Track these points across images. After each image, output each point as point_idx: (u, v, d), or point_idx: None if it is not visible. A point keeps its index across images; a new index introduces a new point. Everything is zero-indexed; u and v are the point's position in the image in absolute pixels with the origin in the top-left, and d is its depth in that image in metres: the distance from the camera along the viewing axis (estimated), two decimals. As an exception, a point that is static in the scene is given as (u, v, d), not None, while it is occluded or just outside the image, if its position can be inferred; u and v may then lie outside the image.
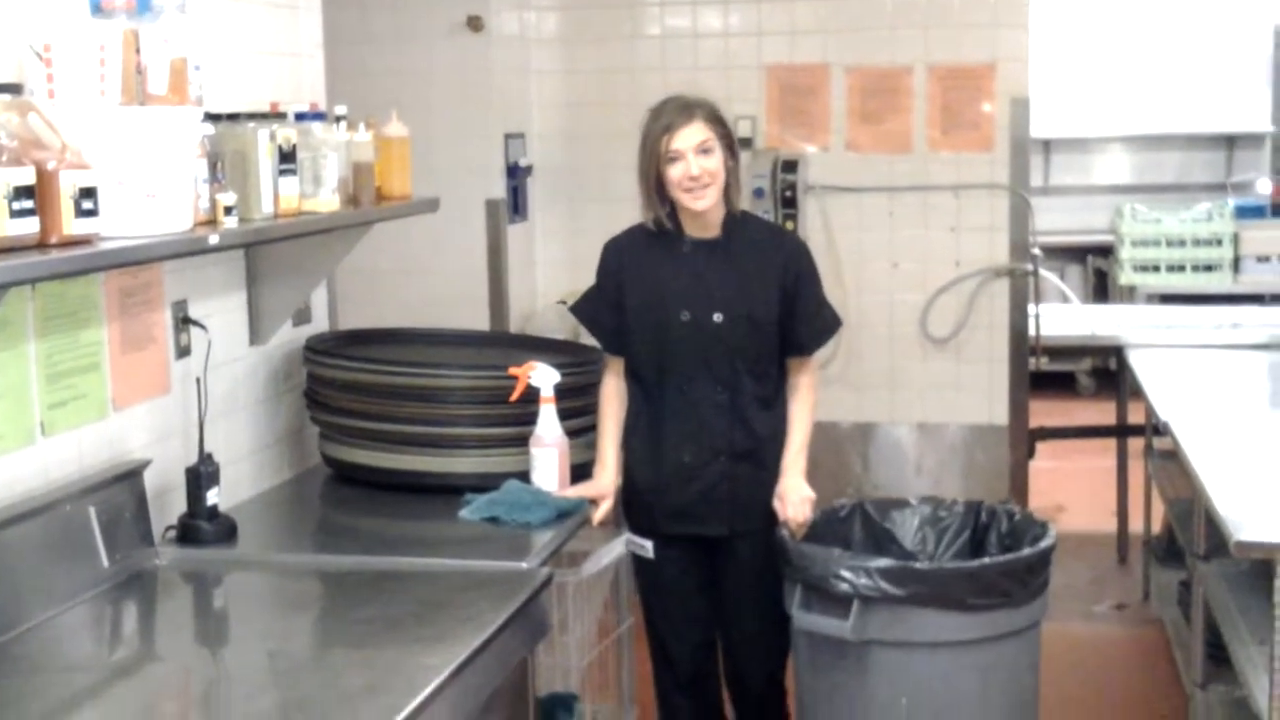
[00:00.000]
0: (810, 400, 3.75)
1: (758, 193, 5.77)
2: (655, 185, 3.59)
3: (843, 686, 3.55)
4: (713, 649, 3.84)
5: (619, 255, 3.73)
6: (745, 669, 3.82)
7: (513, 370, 3.58)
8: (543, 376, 3.56)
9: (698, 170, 3.52)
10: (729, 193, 3.61)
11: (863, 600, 3.41)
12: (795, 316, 3.66)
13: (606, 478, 3.69)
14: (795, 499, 3.64)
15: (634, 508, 3.76)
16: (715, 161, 3.54)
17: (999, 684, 3.51)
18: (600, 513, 3.62)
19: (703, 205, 3.56)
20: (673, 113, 3.57)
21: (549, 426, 3.56)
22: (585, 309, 3.80)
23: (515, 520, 3.36)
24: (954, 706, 3.46)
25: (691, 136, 3.53)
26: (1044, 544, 3.55)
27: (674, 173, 3.54)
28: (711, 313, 3.60)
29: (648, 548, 3.72)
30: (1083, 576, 5.93)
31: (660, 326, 3.64)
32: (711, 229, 3.63)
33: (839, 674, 3.54)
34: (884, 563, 3.43)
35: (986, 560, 3.52)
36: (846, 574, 3.42)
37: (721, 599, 3.77)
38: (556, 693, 3.88)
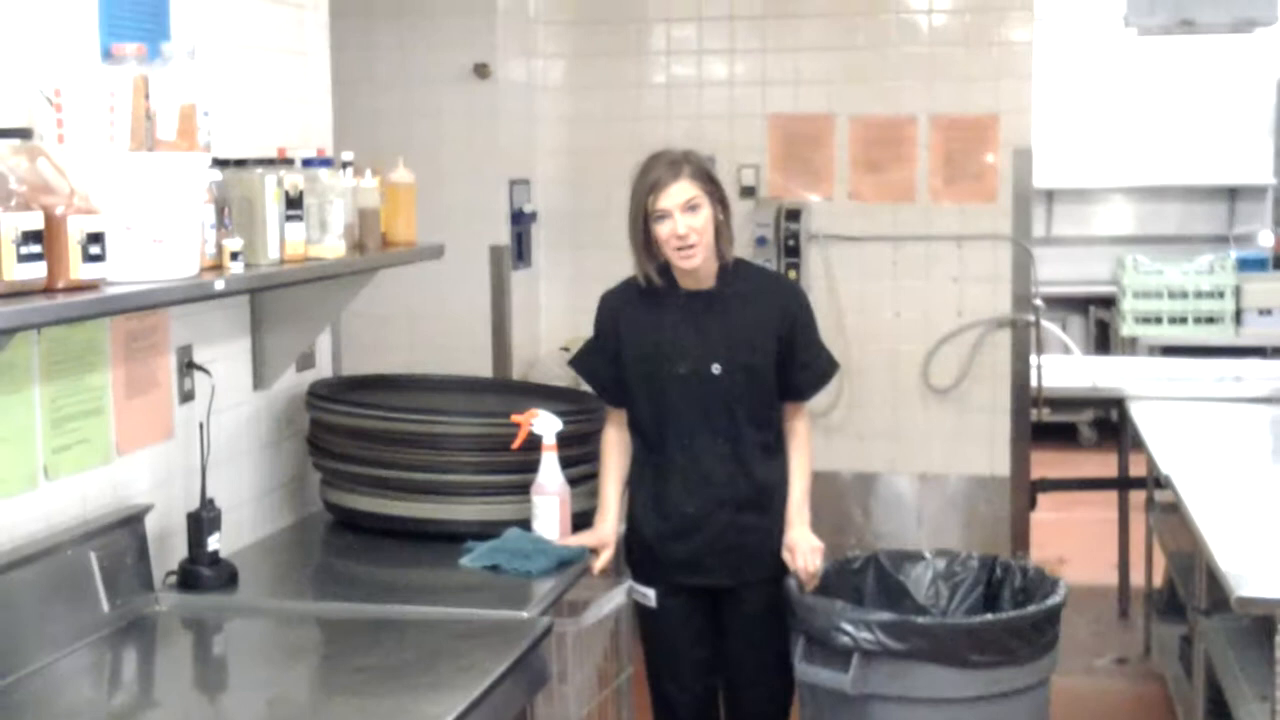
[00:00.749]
0: (808, 447, 3.74)
1: (760, 241, 5.79)
2: (644, 242, 3.58)
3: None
4: (714, 698, 3.82)
5: (614, 309, 3.73)
6: (748, 718, 3.80)
7: (515, 418, 3.58)
8: (545, 424, 3.56)
9: (684, 229, 3.50)
10: (721, 244, 3.60)
11: (863, 654, 3.39)
12: (793, 362, 3.67)
13: (607, 526, 3.68)
14: (805, 549, 3.62)
15: (637, 557, 3.75)
16: (702, 219, 3.52)
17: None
18: (601, 562, 3.61)
19: (691, 265, 3.56)
20: (659, 169, 3.55)
21: (551, 474, 3.56)
22: (583, 363, 3.80)
23: (516, 569, 3.36)
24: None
25: (677, 195, 3.51)
26: (1050, 601, 3.52)
27: (662, 231, 3.54)
28: (709, 364, 3.60)
29: (650, 596, 3.71)
30: (1084, 630, 5.90)
31: (658, 380, 3.63)
32: (705, 281, 3.63)
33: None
34: (885, 616, 3.42)
35: (989, 617, 3.50)
36: (848, 627, 3.40)
37: (726, 648, 3.75)
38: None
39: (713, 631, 3.75)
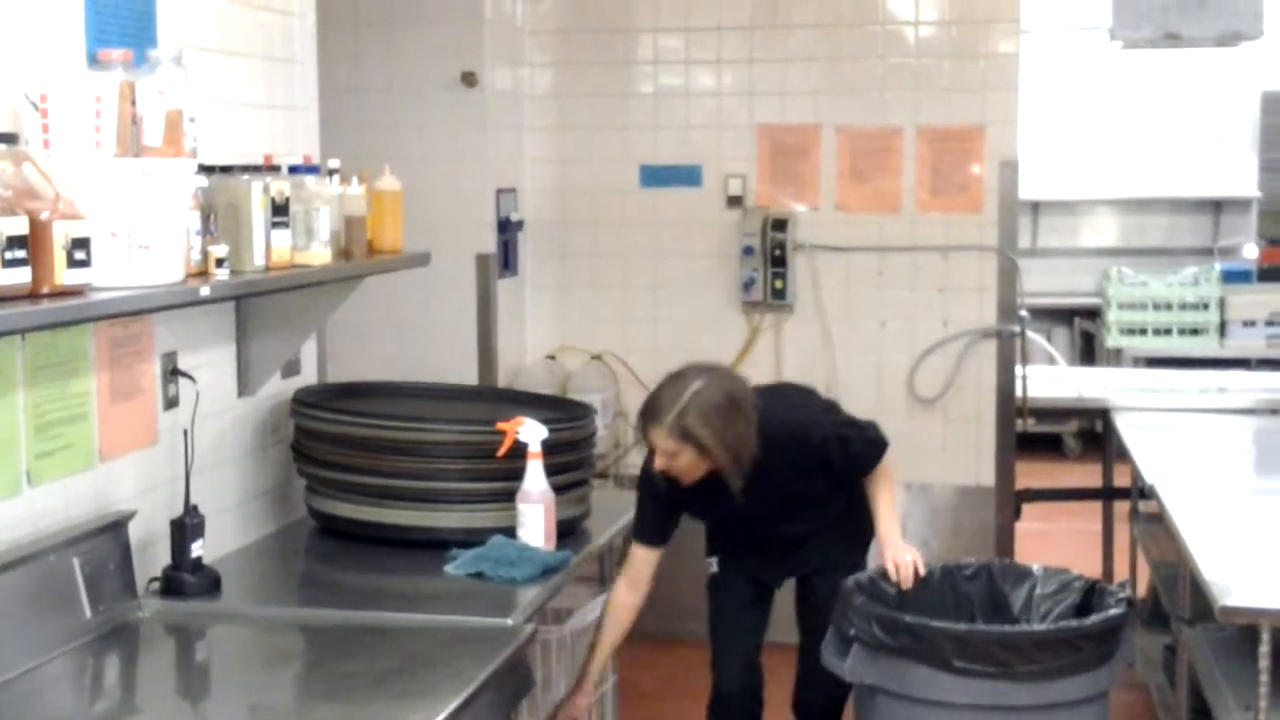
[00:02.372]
0: (887, 479, 3.80)
1: (747, 250, 5.80)
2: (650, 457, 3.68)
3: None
4: (754, 672, 3.93)
5: (660, 488, 3.69)
6: (808, 697, 3.96)
7: (500, 425, 3.58)
8: (530, 432, 3.56)
9: (663, 467, 3.58)
10: (734, 465, 3.56)
11: (862, 644, 3.43)
12: (842, 470, 3.76)
13: (583, 700, 3.75)
14: (895, 550, 3.71)
15: (711, 537, 3.93)
16: (685, 464, 3.55)
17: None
18: None
19: (687, 483, 3.61)
20: (656, 401, 3.57)
21: (536, 482, 3.56)
22: (642, 534, 3.77)
23: (500, 576, 3.36)
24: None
25: (656, 439, 3.56)
26: (1055, 625, 3.48)
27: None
28: (767, 512, 3.73)
29: (713, 564, 3.90)
30: (1068, 639, 5.91)
31: (717, 524, 3.87)
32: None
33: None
34: (881, 611, 3.43)
35: (979, 626, 3.50)
36: (853, 616, 3.46)
37: (803, 626, 3.93)
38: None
39: (768, 605, 3.95)
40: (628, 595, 3.74)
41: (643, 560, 3.73)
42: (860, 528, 3.87)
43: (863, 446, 3.76)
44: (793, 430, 3.68)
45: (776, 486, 3.66)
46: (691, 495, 3.66)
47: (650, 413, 3.56)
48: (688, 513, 3.78)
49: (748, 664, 3.92)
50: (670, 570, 3.83)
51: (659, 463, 3.56)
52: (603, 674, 3.78)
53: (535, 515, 3.55)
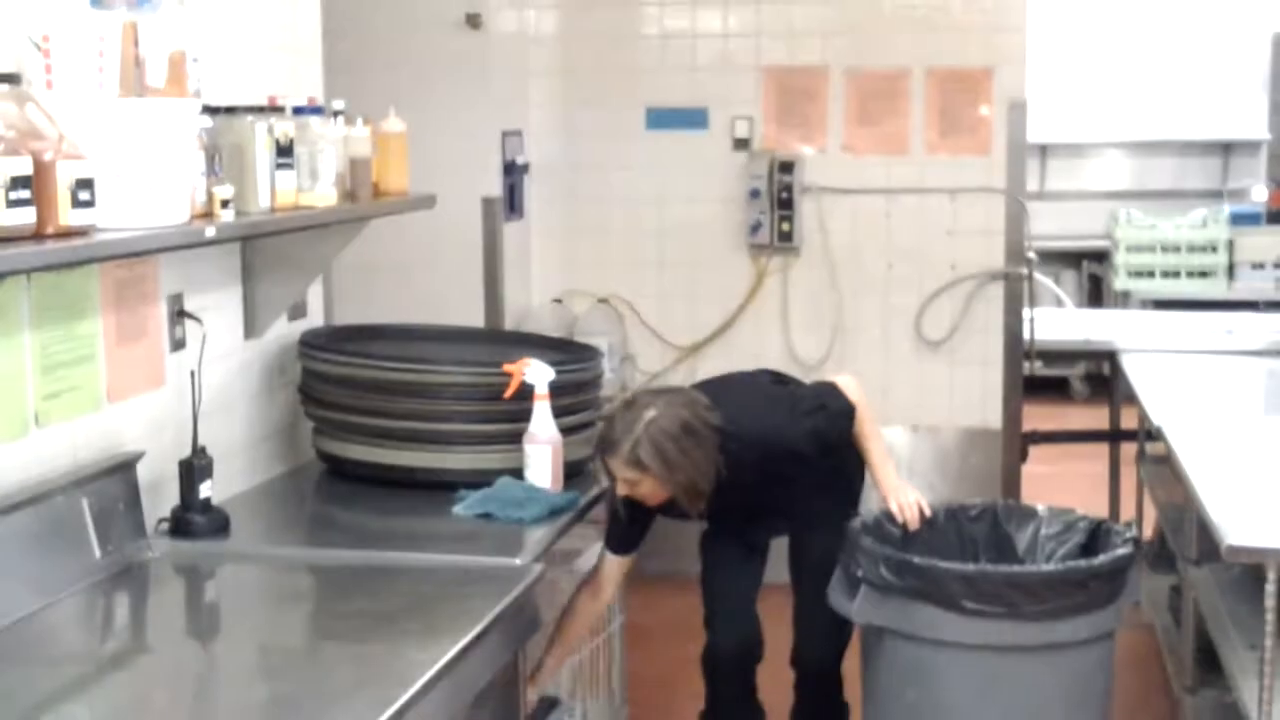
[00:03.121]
0: (868, 424, 3.75)
1: (754, 193, 5.78)
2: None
3: (869, 675, 3.64)
4: (755, 624, 3.90)
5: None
6: (806, 648, 3.91)
7: (507, 367, 3.58)
8: (537, 374, 3.56)
9: (625, 493, 3.51)
10: (704, 490, 3.51)
11: (870, 586, 3.44)
12: (817, 452, 3.68)
13: (532, 691, 3.54)
14: (898, 494, 3.71)
15: None
16: (645, 489, 3.49)
17: (1004, 697, 3.42)
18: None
19: (653, 505, 3.56)
20: (606, 439, 3.50)
21: (543, 424, 3.56)
22: (613, 541, 3.68)
23: (508, 516, 3.37)
24: (958, 710, 3.43)
25: (616, 470, 3.48)
26: (1064, 565, 3.47)
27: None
28: (750, 491, 3.65)
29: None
30: (1074, 581, 5.92)
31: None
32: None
33: (869, 663, 3.62)
34: (889, 552, 3.44)
35: (987, 567, 3.51)
36: (860, 558, 3.47)
37: (794, 579, 3.89)
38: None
39: (764, 549, 3.91)
40: (590, 602, 3.67)
41: (611, 567, 3.66)
42: (847, 482, 3.83)
43: (831, 426, 3.68)
44: (755, 444, 3.58)
45: (744, 490, 3.60)
46: (662, 509, 3.61)
47: (606, 444, 3.48)
48: (662, 515, 3.68)
49: (745, 615, 3.87)
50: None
51: (621, 490, 3.50)
52: (556, 668, 3.66)
53: (542, 456, 3.56)
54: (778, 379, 3.93)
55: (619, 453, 3.45)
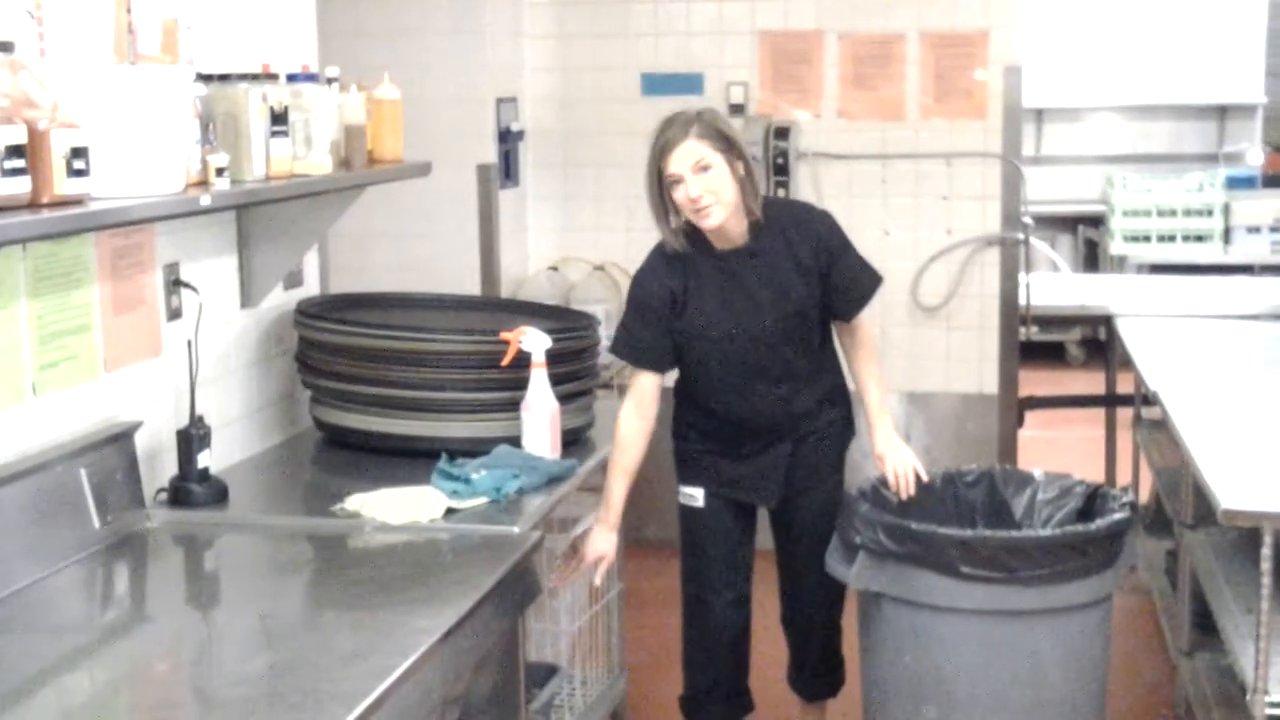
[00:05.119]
0: (873, 358, 3.76)
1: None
2: (663, 206, 3.53)
3: (867, 640, 3.64)
4: (748, 606, 3.88)
5: (651, 284, 3.61)
6: (801, 611, 3.91)
7: (504, 335, 3.57)
8: (534, 342, 3.56)
9: (698, 192, 3.43)
10: (747, 199, 3.51)
11: (868, 552, 3.45)
12: (835, 289, 3.66)
13: (607, 539, 3.65)
14: (894, 458, 3.70)
15: (685, 462, 3.79)
16: (716, 178, 3.44)
17: (1001, 662, 3.43)
18: (600, 572, 3.67)
19: (713, 224, 3.48)
20: (670, 131, 3.47)
21: (540, 392, 3.56)
22: (625, 343, 3.65)
23: (505, 490, 3.32)
24: (956, 675, 3.45)
25: (687, 157, 3.42)
26: (1059, 529, 3.46)
27: (677, 196, 3.48)
28: (757, 323, 3.59)
29: (697, 497, 3.76)
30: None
31: (709, 346, 3.61)
32: (738, 239, 3.56)
33: (867, 628, 3.63)
34: (887, 518, 3.45)
35: (985, 532, 3.51)
36: (859, 524, 3.47)
37: (783, 547, 3.86)
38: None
39: (754, 536, 3.85)
40: (638, 421, 3.63)
41: (648, 385, 3.63)
42: (839, 441, 3.80)
43: (860, 263, 3.69)
44: (796, 211, 3.71)
45: (773, 278, 3.55)
46: (683, 300, 3.56)
47: (671, 138, 3.44)
48: (676, 329, 3.59)
49: (740, 599, 3.84)
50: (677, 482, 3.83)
51: (693, 188, 3.41)
52: (621, 510, 3.65)
53: (540, 425, 3.56)
54: None
55: (689, 132, 3.43)
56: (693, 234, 3.57)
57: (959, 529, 3.51)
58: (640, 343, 3.62)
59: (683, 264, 3.59)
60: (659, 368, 3.65)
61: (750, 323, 3.59)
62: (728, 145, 3.47)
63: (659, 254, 3.64)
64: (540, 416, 3.56)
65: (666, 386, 3.74)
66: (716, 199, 3.45)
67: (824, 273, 3.62)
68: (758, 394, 3.65)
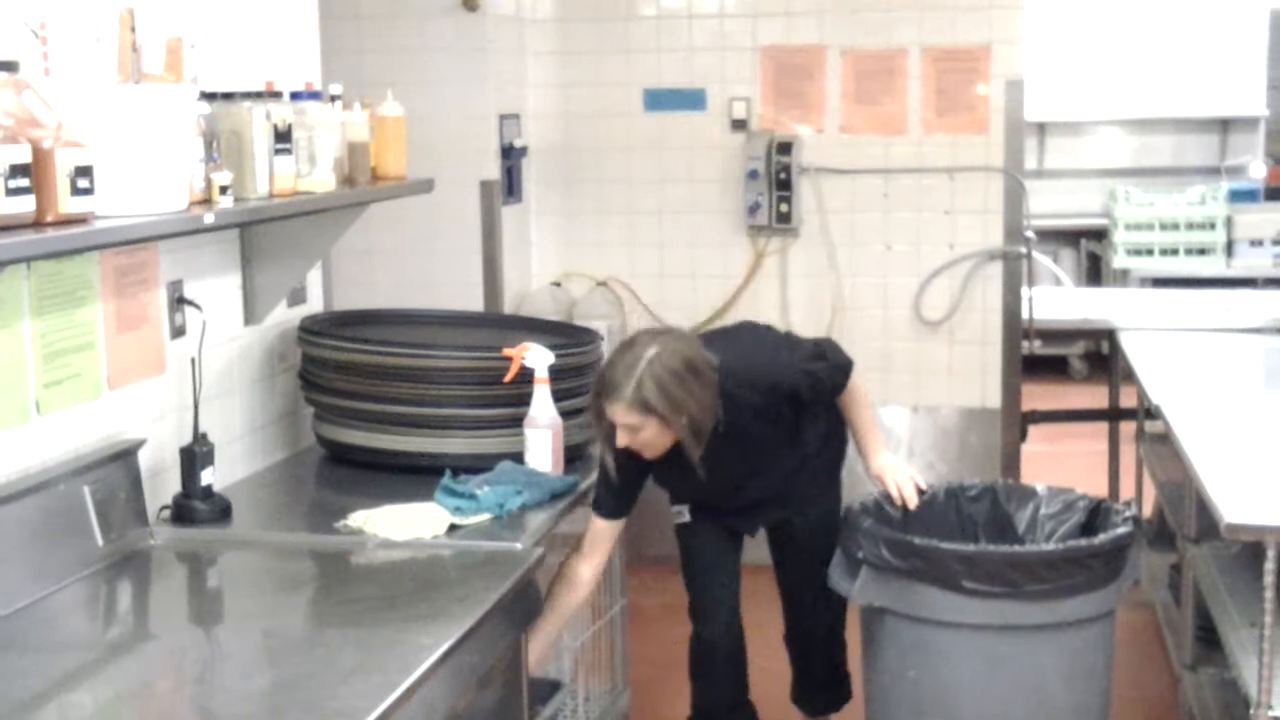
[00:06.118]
0: (858, 396, 3.74)
1: (752, 174, 5.78)
2: (607, 431, 3.44)
3: (870, 654, 3.64)
4: (739, 618, 3.89)
5: (632, 462, 3.52)
6: (801, 627, 3.93)
7: (507, 351, 3.58)
8: (537, 358, 3.56)
9: (626, 443, 3.40)
10: (705, 429, 3.40)
11: (870, 567, 3.45)
12: (811, 402, 3.65)
13: (535, 664, 3.46)
14: (892, 474, 3.72)
15: (674, 495, 3.82)
16: (648, 437, 3.37)
17: (1005, 677, 3.44)
18: None
19: (651, 457, 3.46)
20: (611, 373, 3.37)
21: (543, 408, 3.56)
22: (604, 505, 3.57)
23: (508, 506, 3.32)
24: (959, 690, 3.45)
25: (619, 415, 3.35)
26: (1062, 544, 3.46)
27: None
28: (734, 481, 3.66)
29: (684, 513, 3.79)
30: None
31: (687, 490, 3.71)
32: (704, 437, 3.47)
33: (870, 643, 3.63)
34: (889, 533, 3.45)
35: (988, 547, 3.51)
36: (861, 540, 3.47)
37: (781, 564, 3.89)
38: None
39: (740, 542, 3.86)
40: (584, 568, 3.55)
41: (601, 532, 3.56)
42: (832, 460, 3.81)
43: (829, 375, 3.63)
44: (757, 382, 3.52)
45: (742, 439, 3.52)
46: (655, 466, 3.54)
47: (607, 388, 3.34)
48: (653, 480, 3.64)
49: (731, 609, 3.86)
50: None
51: (621, 439, 3.38)
52: (549, 642, 3.55)
53: (543, 440, 3.56)
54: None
55: (621, 396, 3.31)
56: None
57: (962, 544, 3.51)
58: (602, 491, 3.55)
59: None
60: (613, 515, 3.57)
61: (724, 485, 3.65)
62: (662, 413, 3.33)
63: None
64: (543, 432, 3.56)
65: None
66: (650, 448, 3.43)
67: (795, 400, 3.60)
68: (744, 494, 3.73)
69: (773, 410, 3.58)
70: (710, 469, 3.50)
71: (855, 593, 3.50)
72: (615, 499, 3.55)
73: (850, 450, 3.88)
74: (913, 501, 3.69)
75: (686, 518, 3.80)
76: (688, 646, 3.91)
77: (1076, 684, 3.47)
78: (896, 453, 5.85)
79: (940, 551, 3.38)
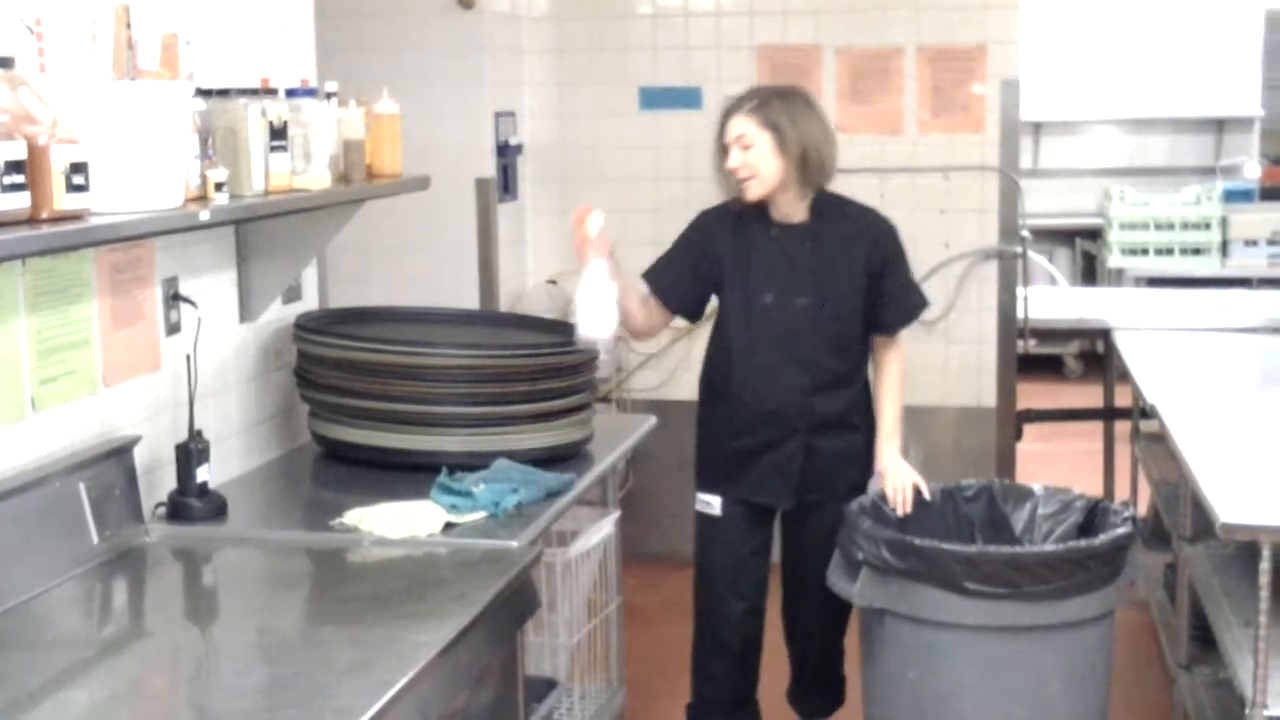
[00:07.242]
0: (899, 378, 3.81)
1: (748, 173, 5.77)
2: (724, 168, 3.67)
3: (870, 655, 3.64)
4: (761, 618, 3.90)
5: (710, 226, 3.78)
6: (801, 628, 3.94)
7: (576, 214, 3.76)
8: (594, 223, 3.71)
9: (736, 163, 3.59)
10: (808, 178, 3.62)
11: (871, 568, 3.45)
12: (881, 298, 3.73)
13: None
14: (895, 476, 3.74)
15: (705, 465, 3.85)
16: (757, 156, 3.58)
17: (1005, 677, 3.44)
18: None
19: (749, 198, 3.62)
20: (733, 101, 3.66)
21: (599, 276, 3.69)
22: (659, 272, 3.86)
23: (503, 505, 3.32)
24: (959, 690, 3.45)
25: (734, 130, 3.60)
26: (1063, 545, 3.46)
27: (726, 163, 3.63)
28: (795, 298, 3.67)
29: (714, 505, 3.81)
30: (1069, 558, 5.94)
31: (744, 305, 3.71)
32: (797, 214, 3.68)
33: (870, 644, 3.62)
34: (889, 534, 3.45)
35: (989, 548, 3.51)
36: (861, 540, 3.47)
37: (790, 563, 3.89)
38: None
39: (770, 549, 3.88)
40: (642, 309, 3.84)
41: (652, 307, 3.84)
42: (870, 451, 3.82)
43: (912, 281, 3.82)
44: (862, 211, 3.79)
45: (819, 263, 3.64)
46: (729, 257, 3.69)
47: (735, 102, 3.63)
48: (714, 282, 3.75)
49: (752, 611, 3.87)
50: (676, 495, 3.84)
51: (732, 158, 3.60)
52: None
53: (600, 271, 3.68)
54: None
55: (743, 107, 3.60)
56: (758, 202, 3.68)
57: (962, 545, 3.51)
58: (668, 268, 3.80)
59: (739, 222, 3.71)
60: (667, 300, 3.79)
61: (789, 294, 3.67)
62: (781, 127, 3.57)
63: (724, 205, 3.77)
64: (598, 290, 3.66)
65: (691, 383, 3.85)
66: (754, 174, 3.58)
67: (875, 276, 3.69)
68: (782, 375, 3.70)
69: (854, 255, 3.67)
70: (779, 290, 3.64)
71: (855, 593, 3.49)
72: (672, 281, 3.80)
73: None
74: (907, 507, 3.68)
75: (716, 510, 3.81)
76: (693, 639, 3.91)
77: (1075, 685, 3.47)
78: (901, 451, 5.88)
79: (941, 553, 3.39)
